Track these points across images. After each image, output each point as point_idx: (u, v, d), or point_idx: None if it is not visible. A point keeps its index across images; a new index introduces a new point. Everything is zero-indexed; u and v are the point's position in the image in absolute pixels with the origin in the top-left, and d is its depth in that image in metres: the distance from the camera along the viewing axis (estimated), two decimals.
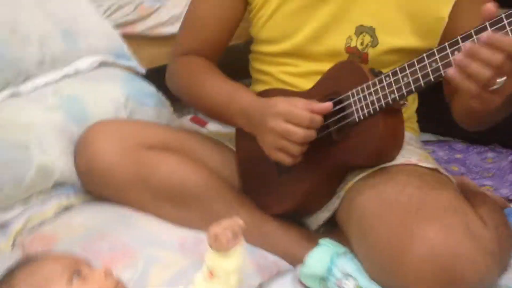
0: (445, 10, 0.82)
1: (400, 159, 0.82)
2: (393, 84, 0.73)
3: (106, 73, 1.07)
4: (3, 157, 0.84)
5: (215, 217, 0.70)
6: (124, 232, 0.81)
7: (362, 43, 0.85)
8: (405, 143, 0.84)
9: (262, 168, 0.88)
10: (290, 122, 0.76)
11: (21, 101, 0.92)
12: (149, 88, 1.09)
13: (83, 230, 0.82)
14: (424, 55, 0.70)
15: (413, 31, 0.84)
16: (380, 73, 0.77)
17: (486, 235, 0.69)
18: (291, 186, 0.85)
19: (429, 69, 0.69)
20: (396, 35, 0.85)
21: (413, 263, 0.66)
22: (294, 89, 0.89)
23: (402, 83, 0.72)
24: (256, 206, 0.89)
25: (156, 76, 1.10)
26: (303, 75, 0.90)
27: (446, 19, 0.82)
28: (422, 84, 0.71)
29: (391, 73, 0.74)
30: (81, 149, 0.88)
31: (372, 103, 0.76)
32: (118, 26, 1.52)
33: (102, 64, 1.09)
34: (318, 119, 0.77)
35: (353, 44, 0.86)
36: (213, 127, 1.47)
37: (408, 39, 0.85)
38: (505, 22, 0.62)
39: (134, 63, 1.16)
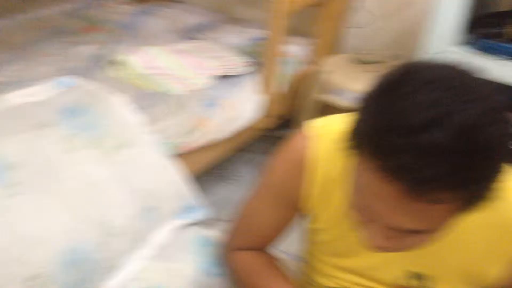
0: (502, 275, 0.87)
1: None
2: None
3: (178, 244, 1.13)
4: None
5: None
6: None
7: (411, 286, 0.93)
8: None
9: None
10: None
11: None
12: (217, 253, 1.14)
13: None
14: None
15: (465, 284, 0.90)
16: None
17: None
18: None
19: None
20: (447, 285, 0.91)
21: None
22: None
23: None
24: None
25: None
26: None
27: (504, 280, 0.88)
28: None
29: None
30: None
31: None
32: (177, 147, 1.62)
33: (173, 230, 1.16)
34: None
35: (402, 284, 0.93)
36: None
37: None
38: None
39: (201, 212, 1.23)
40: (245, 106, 1.80)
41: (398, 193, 0.64)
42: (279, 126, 2.21)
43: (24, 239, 0.91)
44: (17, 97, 1.13)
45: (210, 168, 1.84)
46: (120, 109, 1.19)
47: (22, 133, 1.02)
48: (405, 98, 0.63)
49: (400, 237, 0.73)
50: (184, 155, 1.59)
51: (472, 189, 0.65)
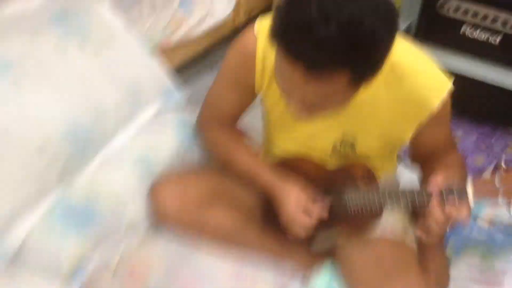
0: (408, 136, 1.13)
1: (377, 231, 1.20)
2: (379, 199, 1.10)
3: (162, 122, 1.38)
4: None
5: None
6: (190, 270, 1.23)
7: (344, 150, 1.19)
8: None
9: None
10: (295, 224, 1.16)
11: (108, 170, 1.24)
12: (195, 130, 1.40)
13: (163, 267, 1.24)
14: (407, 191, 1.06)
15: (382, 146, 1.18)
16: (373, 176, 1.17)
17: None
18: None
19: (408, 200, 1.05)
20: (370, 149, 1.18)
21: None
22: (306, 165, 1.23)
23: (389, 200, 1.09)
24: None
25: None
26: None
27: (407, 142, 1.16)
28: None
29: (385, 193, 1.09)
30: (150, 202, 1.27)
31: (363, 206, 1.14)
32: (157, 44, 1.79)
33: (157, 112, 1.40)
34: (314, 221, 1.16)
35: (337, 148, 1.19)
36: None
37: (377, 151, 1.19)
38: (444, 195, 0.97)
39: (178, 96, 1.47)
40: (217, 5, 1.97)
41: (300, 73, 0.85)
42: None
43: (32, 118, 1.14)
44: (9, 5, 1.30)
45: (193, 61, 2.02)
46: (103, 13, 1.38)
47: (17, 37, 1.21)
48: (303, 1, 0.82)
49: (314, 109, 0.96)
50: (162, 51, 1.78)
51: (358, 69, 0.86)
